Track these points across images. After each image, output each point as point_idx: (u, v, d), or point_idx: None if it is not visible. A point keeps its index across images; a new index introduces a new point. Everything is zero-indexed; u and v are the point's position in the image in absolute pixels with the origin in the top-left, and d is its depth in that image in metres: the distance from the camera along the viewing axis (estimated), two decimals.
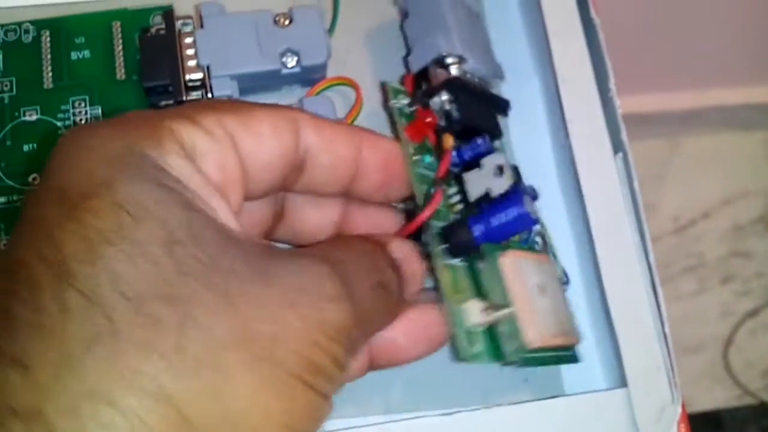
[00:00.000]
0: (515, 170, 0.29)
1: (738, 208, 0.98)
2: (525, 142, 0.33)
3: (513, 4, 0.35)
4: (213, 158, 0.19)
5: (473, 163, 0.28)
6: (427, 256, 0.27)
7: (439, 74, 0.30)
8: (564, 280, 0.30)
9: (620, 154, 0.30)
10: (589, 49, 0.32)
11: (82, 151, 0.18)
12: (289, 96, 0.32)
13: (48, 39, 0.31)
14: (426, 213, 0.27)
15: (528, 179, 0.30)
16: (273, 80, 0.31)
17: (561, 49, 0.32)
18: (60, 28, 0.31)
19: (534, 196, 0.29)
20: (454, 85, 0.29)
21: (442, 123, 0.29)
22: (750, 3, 0.82)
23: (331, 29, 0.32)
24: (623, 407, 0.27)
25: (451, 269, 0.27)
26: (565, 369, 0.30)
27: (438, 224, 0.28)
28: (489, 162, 0.28)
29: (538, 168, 0.32)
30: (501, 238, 0.28)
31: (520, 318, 0.26)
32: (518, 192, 0.27)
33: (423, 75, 0.30)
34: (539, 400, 0.28)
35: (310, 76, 0.31)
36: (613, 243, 0.29)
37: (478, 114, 0.30)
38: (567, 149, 0.31)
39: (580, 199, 0.30)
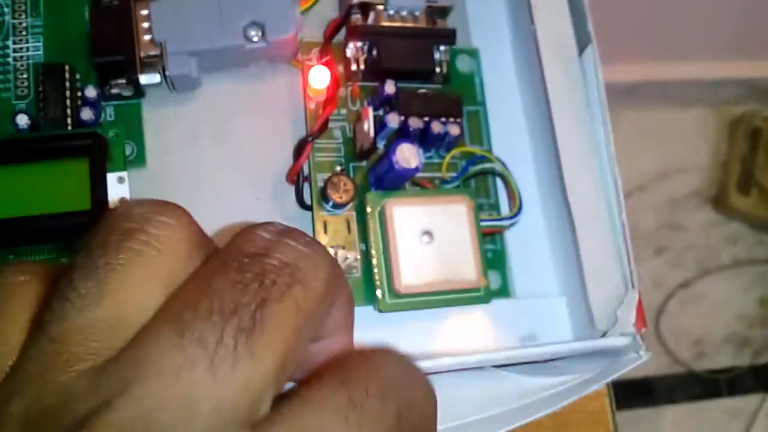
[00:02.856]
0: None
1: (673, 182, 1.01)
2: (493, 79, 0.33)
3: None
4: None
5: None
6: (306, 207, 0.29)
7: (354, 20, 0.30)
8: (512, 213, 0.30)
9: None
10: None
11: None
12: (257, 75, 0.30)
13: None
14: (301, 160, 0.28)
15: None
16: (237, 57, 0.29)
17: None
18: None
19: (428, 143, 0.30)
20: (365, 33, 0.30)
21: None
22: None
23: None
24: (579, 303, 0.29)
25: (325, 219, 0.29)
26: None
27: (321, 176, 0.29)
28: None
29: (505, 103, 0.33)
30: (390, 186, 0.29)
31: (392, 265, 0.27)
32: (396, 141, 0.27)
33: (345, 19, 0.30)
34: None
35: (278, 52, 0.30)
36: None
37: (403, 55, 0.30)
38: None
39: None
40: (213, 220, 0.29)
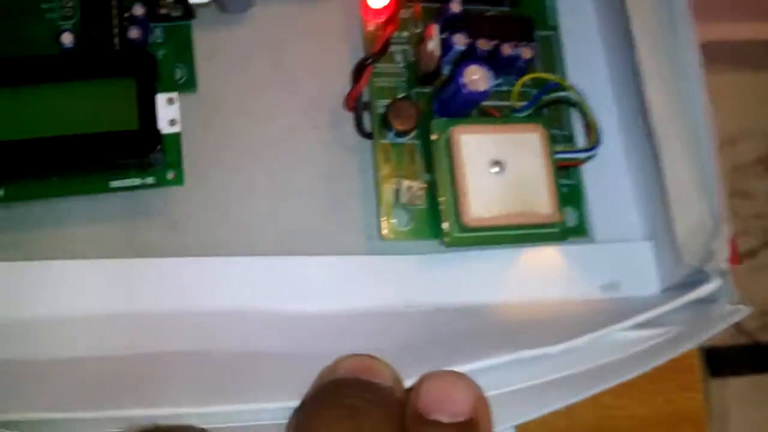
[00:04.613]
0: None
1: (741, 148, 0.96)
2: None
3: None
4: None
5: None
6: (366, 135, 0.27)
7: None
8: (589, 145, 0.27)
9: None
10: None
11: None
12: None
13: None
14: (361, 84, 0.26)
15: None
16: None
17: None
18: None
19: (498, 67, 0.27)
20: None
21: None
22: None
23: None
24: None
25: (387, 147, 0.27)
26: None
27: (382, 102, 0.27)
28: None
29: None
30: (457, 112, 0.26)
31: (459, 196, 0.25)
32: (463, 63, 0.25)
33: None
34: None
35: None
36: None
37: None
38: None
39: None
40: (267, 148, 0.27)
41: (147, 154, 0.24)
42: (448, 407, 0.18)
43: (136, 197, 0.25)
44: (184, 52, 0.27)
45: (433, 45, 0.26)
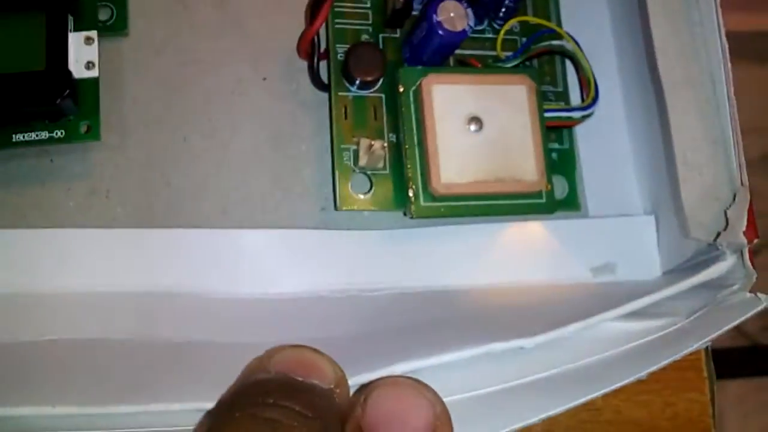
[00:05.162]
0: None
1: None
2: None
3: None
4: None
5: None
6: (323, 87, 0.23)
7: None
8: (585, 104, 0.23)
9: None
10: None
11: None
12: None
13: None
14: (316, 24, 0.22)
15: None
16: None
17: None
18: None
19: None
20: None
21: None
22: None
23: None
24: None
25: (347, 101, 0.22)
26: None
27: (342, 48, 0.23)
28: None
29: None
30: (430, 62, 0.23)
31: (429, 158, 0.21)
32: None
33: None
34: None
35: None
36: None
37: None
38: None
39: None
40: (208, 102, 0.23)
41: (53, 100, 0.20)
42: (400, 427, 0.15)
43: (50, 156, 0.22)
44: None
45: None
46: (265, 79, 0.24)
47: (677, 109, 0.21)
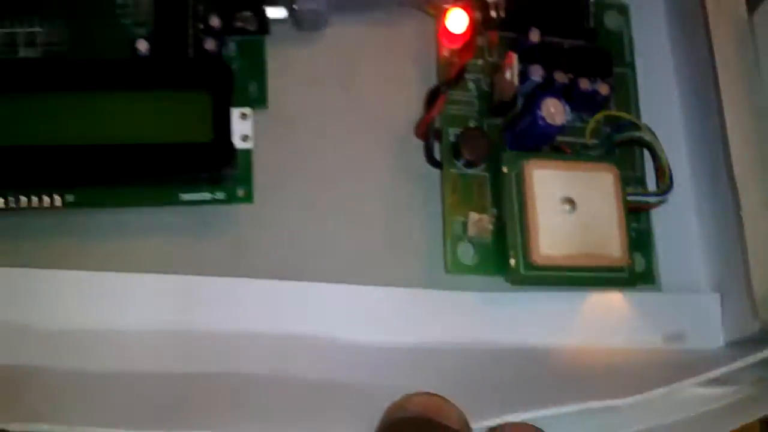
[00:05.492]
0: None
1: None
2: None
3: None
4: None
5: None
6: (435, 164, 0.26)
7: None
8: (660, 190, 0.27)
9: None
10: None
11: None
12: (385, 18, 0.28)
13: None
14: (433, 112, 0.26)
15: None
16: None
17: None
18: None
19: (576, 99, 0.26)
20: None
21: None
22: None
23: None
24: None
25: (456, 178, 0.26)
26: None
27: (452, 131, 0.26)
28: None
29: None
30: (529, 146, 0.26)
31: (529, 233, 0.24)
32: (540, 95, 0.25)
33: None
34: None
35: None
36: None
37: (544, 6, 0.28)
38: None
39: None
40: (334, 171, 0.26)
41: (221, 168, 0.23)
42: None
43: (203, 212, 0.25)
44: (256, 67, 0.26)
45: (511, 74, 0.25)
46: (383, 152, 0.27)
47: (749, 208, 0.24)
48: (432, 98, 0.26)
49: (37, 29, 0.26)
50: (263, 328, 0.23)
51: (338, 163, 0.27)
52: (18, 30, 0.26)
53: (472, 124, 0.27)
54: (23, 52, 0.26)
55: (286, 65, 0.27)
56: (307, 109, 0.27)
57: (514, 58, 0.25)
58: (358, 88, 0.27)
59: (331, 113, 0.27)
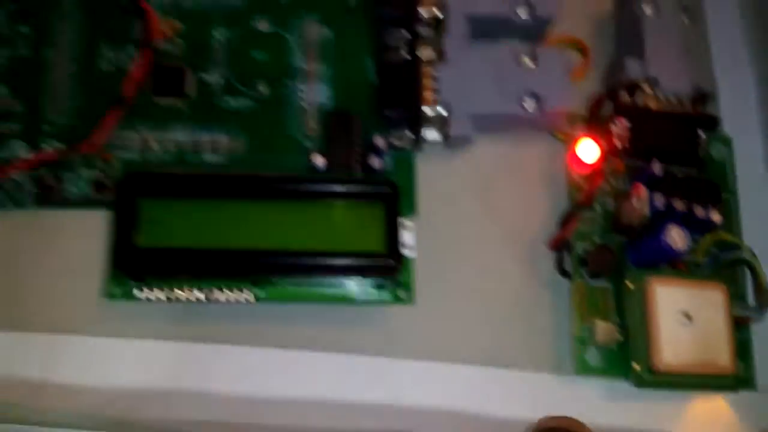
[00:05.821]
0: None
1: None
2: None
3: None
4: None
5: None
6: (565, 275, 0.30)
7: (622, 99, 0.31)
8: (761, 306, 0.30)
9: None
10: None
11: None
12: (519, 140, 0.32)
13: None
14: (561, 234, 0.30)
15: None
16: (507, 122, 0.31)
17: None
18: None
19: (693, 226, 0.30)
20: (632, 113, 0.31)
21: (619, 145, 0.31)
22: None
23: None
24: None
25: (583, 287, 0.30)
26: None
27: (582, 246, 0.30)
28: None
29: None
30: (650, 263, 0.29)
31: (652, 343, 0.28)
32: (664, 222, 0.28)
33: (611, 95, 0.32)
34: None
35: (545, 122, 0.31)
36: None
37: (668, 136, 0.31)
38: None
39: None
40: (472, 275, 0.30)
41: (392, 275, 0.27)
42: None
43: (367, 308, 0.29)
44: (408, 180, 0.30)
45: (639, 204, 0.29)
46: (516, 259, 0.31)
47: None
48: (567, 219, 0.30)
49: (221, 137, 0.31)
50: (410, 401, 0.28)
51: (477, 267, 0.30)
52: (204, 138, 0.31)
53: (597, 239, 0.30)
54: (208, 157, 0.31)
55: (432, 179, 0.31)
56: (449, 218, 0.31)
57: (643, 190, 0.29)
58: (495, 202, 0.31)
59: (471, 223, 0.31)
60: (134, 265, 0.27)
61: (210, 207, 0.27)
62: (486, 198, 0.31)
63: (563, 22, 0.32)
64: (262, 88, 0.31)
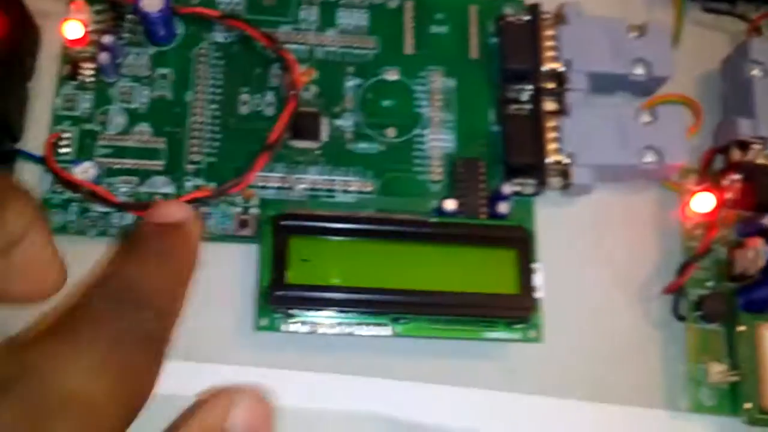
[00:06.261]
0: None
1: None
2: None
3: None
4: None
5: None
6: (681, 318, 0.32)
7: (734, 154, 0.33)
8: None
9: None
10: None
11: None
12: (633, 190, 0.34)
13: (411, 8, 0.36)
14: (679, 281, 0.32)
15: None
16: (625, 173, 0.33)
17: None
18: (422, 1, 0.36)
19: None
20: (746, 168, 0.33)
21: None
22: None
23: None
24: None
25: (700, 332, 0.32)
26: None
27: (695, 292, 0.32)
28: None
29: None
30: (759, 309, 0.31)
31: (763, 383, 0.30)
32: None
33: (723, 150, 0.34)
34: None
35: (661, 174, 0.33)
36: None
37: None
38: None
39: None
40: (587, 315, 0.32)
41: (526, 317, 0.29)
42: None
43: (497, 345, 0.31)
44: (527, 223, 0.32)
45: (755, 255, 0.31)
46: (628, 302, 0.33)
47: None
48: (684, 268, 0.32)
49: (351, 179, 0.33)
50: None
51: (593, 308, 0.32)
52: (336, 178, 0.33)
53: (708, 283, 0.32)
54: (340, 197, 0.33)
55: (550, 222, 0.33)
56: (565, 259, 0.33)
57: (760, 242, 0.31)
58: (610, 246, 0.33)
59: (587, 265, 0.33)
60: (284, 300, 0.29)
61: (355, 247, 0.30)
62: (600, 242, 0.33)
63: (671, 80, 0.34)
64: (390, 134, 0.34)
